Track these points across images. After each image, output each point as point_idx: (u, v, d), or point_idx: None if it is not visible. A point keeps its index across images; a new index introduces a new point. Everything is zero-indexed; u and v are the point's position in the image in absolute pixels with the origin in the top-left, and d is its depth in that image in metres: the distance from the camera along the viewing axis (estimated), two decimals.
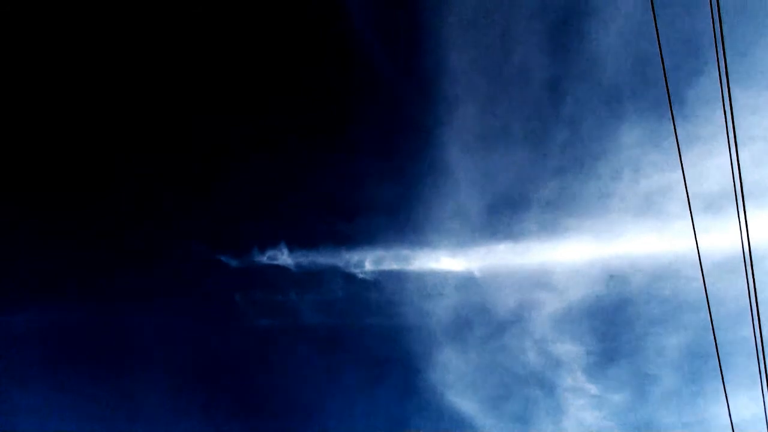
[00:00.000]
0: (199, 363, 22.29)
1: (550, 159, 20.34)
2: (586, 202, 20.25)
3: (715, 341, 7.70)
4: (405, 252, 21.10)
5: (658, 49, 6.82)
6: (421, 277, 21.18)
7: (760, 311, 6.94)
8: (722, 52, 5.97)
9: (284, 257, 21.10)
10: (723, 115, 6.30)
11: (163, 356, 22.34)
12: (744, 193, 6.45)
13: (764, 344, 7.16)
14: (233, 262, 21.34)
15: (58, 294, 21.56)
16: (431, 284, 21.24)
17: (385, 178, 21.13)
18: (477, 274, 20.88)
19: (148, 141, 20.39)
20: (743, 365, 18.02)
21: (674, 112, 7.24)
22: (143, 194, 20.85)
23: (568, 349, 20.99)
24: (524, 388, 21.64)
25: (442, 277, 21.12)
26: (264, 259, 21.15)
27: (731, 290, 19.21)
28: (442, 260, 20.96)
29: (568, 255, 20.48)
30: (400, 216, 21.15)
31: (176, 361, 22.35)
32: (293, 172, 21.24)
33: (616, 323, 20.75)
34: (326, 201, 21.50)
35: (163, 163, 20.93)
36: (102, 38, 18.52)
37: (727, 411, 8.46)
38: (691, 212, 7.39)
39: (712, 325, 7.61)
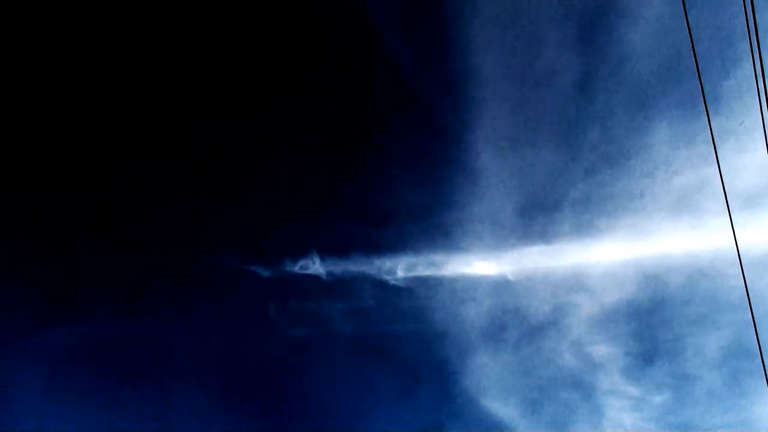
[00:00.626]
0: (233, 374, 22.43)
1: (581, 159, 20.00)
2: (619, 201, 19.86)
3: (758, 339, 7.53)
4: (437, 257, 20.95)
5: (690, 44, 6.74)
6: (453, 282, 21.01)
7: None
8: (756, 44, 5.86)
9: (316, 266, 21.10)
10: (758, 109, 6.18)
11: (197, 368, 22.55)
12: None
13: None
14: (264, 273, 21.36)
15: (91, 308, 21.85)
16: (464, 289, 21.07)
17: (414, 183, 20.99)
18: (510, 277, 20.61)
19: (179, 149, 20.55)
20: None
21: (707, 107, 7.08)
22: (173, 206, 20.98)
23: (606, 351, 20.62)
24: (561, 392, 21.35)
25: (475, 282, 20.90)
26: (296, 268, 21.16)
27: None
28: (475, 265, 20.78)
29: (602, 256, 20.12)
30: (431, 221, 20.99)
31: (210, 372, 22.54)
32: (322, 180, 21.20)
33: (654, 324, 20.33)
34: (356, 208, 21.41)
35: (192, 174, 21.07)
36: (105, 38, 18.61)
37: None
38: (728, 208, 7.29)
39: (754, 323, 7.45)
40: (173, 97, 19.72)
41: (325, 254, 21.18)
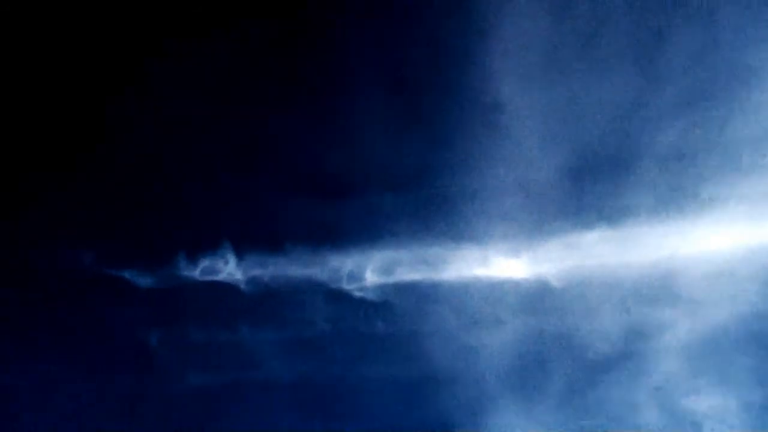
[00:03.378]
0: None
1: (668, 86, 12.82)
2: (733, 156, 12.80)
3: None
4: (432, 251, 13.44)
5: None
6: (460, 292, 13.47)
7: None
8: None
9: (229, 268, 13.24)
10: None
11: None
12: None
13: None
14: (145, 281, 13.25)
15: None
16: (479, 302, 13.52)
17: (396, 130, 13.42)
18: (554, 282, 13.35)
19: None
20: None
21: None
22: None
23: (714, 401, 13.32)
24: None
25: (497, 291, 13.42)
26: (195, 272, 13.22)
27: None
28: (495, 263, 13.43)
29: (704, 244, 13.06)
30: (423, 191, 13.49)
31: None
32: (240, 124, 13.37)
33: None
34: (298, 170, 13.61)
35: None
36: None
37: None
38: None
39: None
40: None
41: (244, 249, 13.35)
